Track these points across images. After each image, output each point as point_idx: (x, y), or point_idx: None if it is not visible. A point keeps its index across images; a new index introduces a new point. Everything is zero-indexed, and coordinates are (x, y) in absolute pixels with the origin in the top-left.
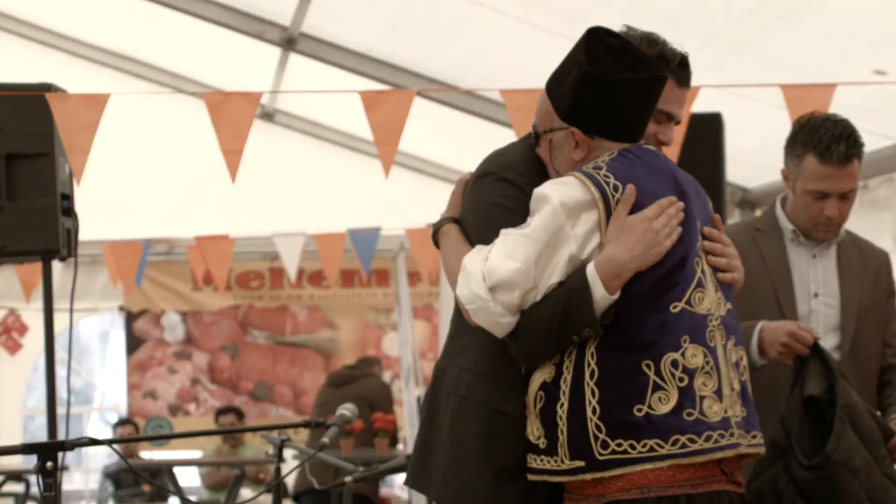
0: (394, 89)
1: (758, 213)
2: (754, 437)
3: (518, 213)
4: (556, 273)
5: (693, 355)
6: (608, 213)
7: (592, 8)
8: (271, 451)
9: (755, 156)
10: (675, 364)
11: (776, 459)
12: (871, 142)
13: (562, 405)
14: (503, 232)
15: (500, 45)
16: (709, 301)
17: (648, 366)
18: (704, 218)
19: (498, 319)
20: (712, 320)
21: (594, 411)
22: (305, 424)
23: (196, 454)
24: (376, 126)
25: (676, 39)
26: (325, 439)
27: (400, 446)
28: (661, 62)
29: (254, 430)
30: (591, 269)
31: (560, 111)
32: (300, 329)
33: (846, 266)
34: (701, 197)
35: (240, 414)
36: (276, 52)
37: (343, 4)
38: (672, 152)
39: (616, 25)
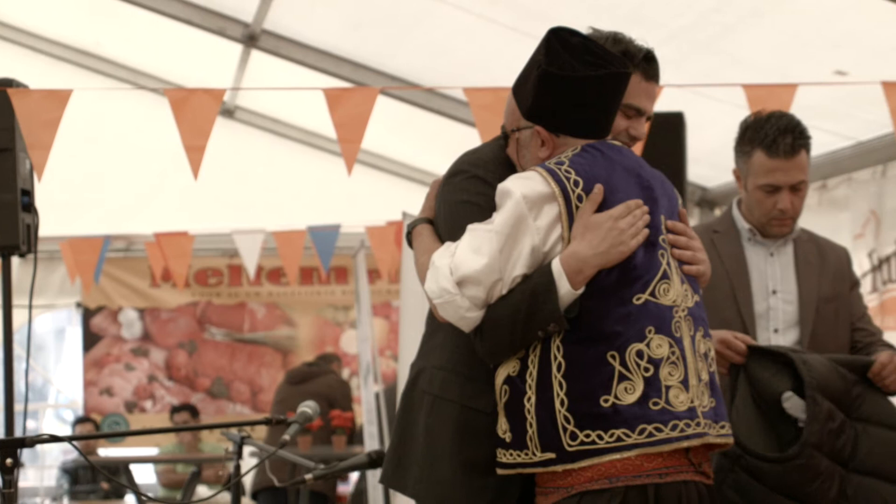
0: (357, 87)
1: (717, 212)
2: (722, 427)
3: (488, 210)
4: (519, 264)
5: (658, 346)
6: (568, 208)
7: (555, 6)
8: (231, 448)
9: (715, 155)
10: (640, 354)
11: (728, 470)
12: (831, 142)
13: (529, 399)
14: (470, 227)
15: (462, 43)
16: (674, 293)
17: (613, 356)
18: (670, 212)
19: (464, 314)
20: (678, 311)
21: (562, 403)
22: (266, 421)
23: (152, 451)
24: (339, 123)
25: (638, 37)
26: (287, 436)
27: (359, 444)
28: (627, 59)
29: (214, 427)
30: (556, 265)
31: (524, 110)
32: (258, 326)
33: (804, 261)
34: (667, 191)
35: (194, 412)
36: (237, 48)
37: (306, 1)
38: (634, 151)
39: (579, 23)
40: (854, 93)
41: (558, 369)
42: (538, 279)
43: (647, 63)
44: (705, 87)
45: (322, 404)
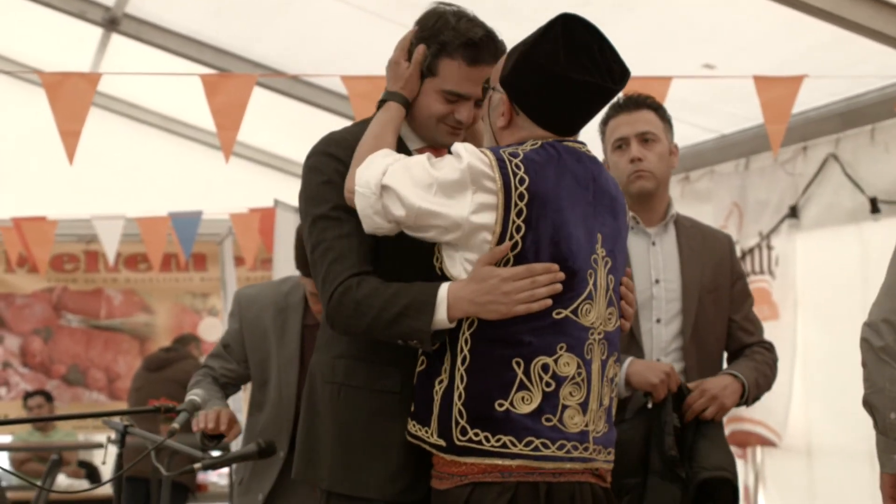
0: (234, 74)
1: None
2: (609, 453)
3: (341, 186)
4: (435, 216)
5: (566, 364)
6: (507, 201)
7: None
8: (113, 436)
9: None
10: (545, 368)
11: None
12: (694, 135)
13: (441, 381)
14: (417, 158)
15: (328, 31)
16: (595, 315)
17: (518, 363)
18: (614, 232)
19: (372, 214)
20: (594, 334)
21: (460, 397)
22: (155, 410)
23: (6, 439)
24: (216, 110)
25: (509, 29)
26: (176, 425)
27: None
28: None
29: (97, 416)
30: (443, 290)
31: (501, 74)
32: (115, 313)
33: (686, 249)
34: (615, 208)
35: (48, 397)
36: (97, 32)
37: None
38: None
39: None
40: (720, 86)
41: (462, 362)
42: (420, 294)
43: (468, 48)
44: None
45: (182, 391)
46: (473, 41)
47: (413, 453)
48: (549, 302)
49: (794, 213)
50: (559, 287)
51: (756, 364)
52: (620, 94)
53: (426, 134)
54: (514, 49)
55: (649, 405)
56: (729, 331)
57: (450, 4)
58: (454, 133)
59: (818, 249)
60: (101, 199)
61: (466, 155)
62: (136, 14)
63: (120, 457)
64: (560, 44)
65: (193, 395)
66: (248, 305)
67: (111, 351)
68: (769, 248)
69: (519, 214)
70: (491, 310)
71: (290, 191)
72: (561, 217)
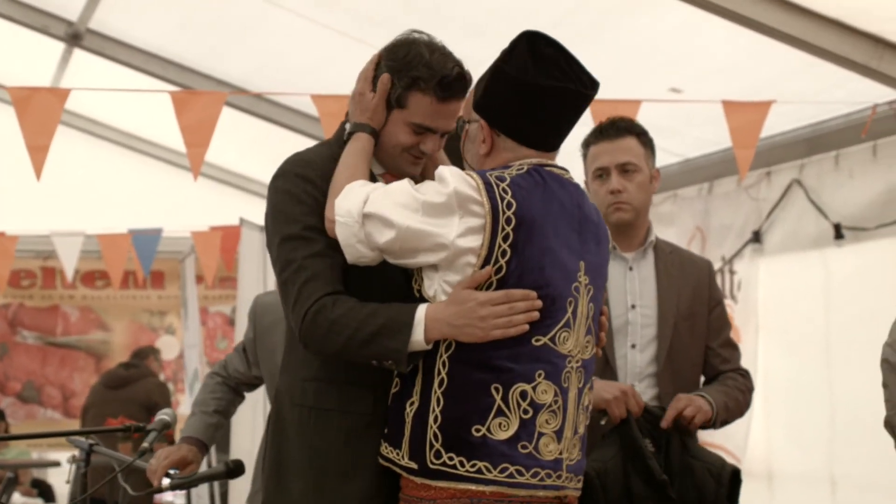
0: (204, 91)
1: None
2: (579, 481)
3: (312, 206)
4: (422, 244)
5: (544, 391)
6: (494, 226)
7: (393, 14)
8: (78, 454)
9: None
10: (523, 395)
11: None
12: (658, 158)
13: (412, 403)
14: (400, 184)
15: (294, 48)
16: (573, 343)
17: (497, 389)
18: (598, 260)
19: (355, 243)
20: (572, 362)
21: (435, 420)
22: (125, 429)
23: None
24: (186, 128)
25: (477, 49)
26: (146, 444)
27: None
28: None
29: (62, 434)
30: (420, 311)
31: (475, 101)
32: (72, 330)
33: (664, 274)
34: (599, 236)
35: (1, 415)
36: (59, 46)
37: (135, 2)
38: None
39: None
40: (685, 111)
41: (439, 385)
42: (398, 314)
43: (439, 86)
44: None
45: (142, 411)
46: (448, 79)
47: (386, 476)
48: (526, 328)
49: (757, 238)
50: (536, 315)
51: (727, 389)
52: (607, 122)
53: (389, 162)
54: (483, 76)
55: (602, 422)
56: (706, 357)
57: (420, 32)
58: (415, 163)
59: (781, 275)
60: (60, 216)
61: (452, 180)
62: (99, 29)
63: (84, 476)
64: (527, 56)
65: (164, 414)
66: (262, 313)
67: (67, 368)
68: (731, 272)
69: (505, 239)
70: (467, 333)
71: (253, 209)
72: (546, 243)
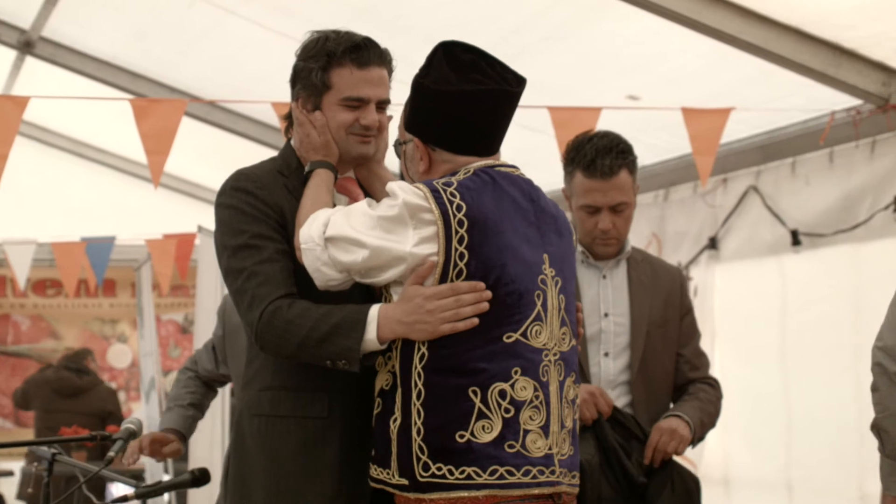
0: (164, 99)
1: None
2: (574, 476)
3: (256, 216)
4: (383, 260)
5: (523, 388)
6: (447, 231)
7: (349, 23)
8: (41, 464)
9: None
10: (502, 394)
11: None
12: None
13: (395, 420)
14: (351, 206)
15: (251, 56)
16: (547, 336)
17: (475, 392)
18: (561, 251)
19: (320, 266)
20: (548, 355)
21: (419, 432)
22: (91, 438)
23: None
24: (146, 135)
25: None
26: (112, 453)
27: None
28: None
29: (27, 444)
30: (374, 310)
31: (405, 122)
32: (22, 338)
33: (637, 283)
34: (558, 226)
35: None
36: (11, 54)
37: (90, 10)
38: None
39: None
40: (641, 117)
41: (418, 397)
42: (351, 313)
43: (354, 52)
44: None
45: (95, 421)
46: (357, 44)
47: (347, 476)
48: (476, 321)
49: (713, 244)
50: (486, 306)
51: (701, 403)
52: (596, 154)
53: (340, 149)
54: (408, 98)
55: None
56: (676, 364)
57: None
58: (364, 141)
59: (737, 281)
60: (10, 224)
61: (401, 192)
62: (51, 37)
63: (47, 486)
64: (446, 66)
65: (130, 422)
66: (231, 312)
67: (18, 377)
68: (688, 278)
69: (461, 241)
70: (418, 329)
71: (208, 217)
72: (504, 240)
